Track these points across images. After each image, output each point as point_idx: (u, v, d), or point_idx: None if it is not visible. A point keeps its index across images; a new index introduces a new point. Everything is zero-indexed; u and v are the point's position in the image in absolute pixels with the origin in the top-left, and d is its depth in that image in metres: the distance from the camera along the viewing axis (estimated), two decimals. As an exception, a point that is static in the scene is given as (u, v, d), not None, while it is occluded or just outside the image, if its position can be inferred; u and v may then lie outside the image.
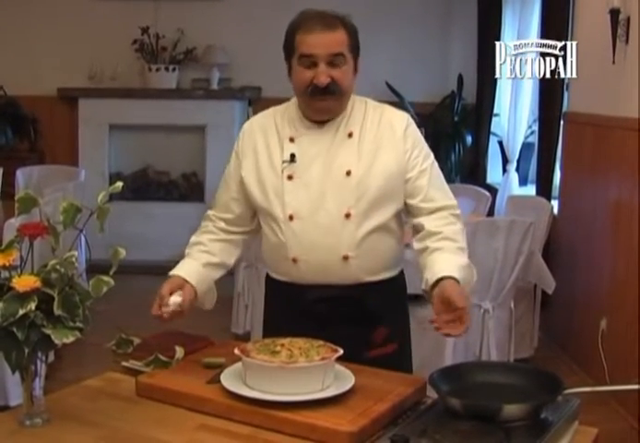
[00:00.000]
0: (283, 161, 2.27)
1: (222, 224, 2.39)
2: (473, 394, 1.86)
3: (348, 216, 2.22)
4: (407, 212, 2.34)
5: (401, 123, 2.31)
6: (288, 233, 2.26)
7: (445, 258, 2.19)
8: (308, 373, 1.86)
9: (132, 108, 7.13)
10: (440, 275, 2.12)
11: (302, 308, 2.29)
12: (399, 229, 2.36)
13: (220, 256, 2.37)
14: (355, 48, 2.26)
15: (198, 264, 2.32)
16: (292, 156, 2.26)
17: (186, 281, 2.25)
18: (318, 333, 2.03)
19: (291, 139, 2.29)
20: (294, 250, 2.26)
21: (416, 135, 2.33)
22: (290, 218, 2.25)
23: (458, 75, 7.16)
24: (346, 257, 2.24)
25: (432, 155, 2.35)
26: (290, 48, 2.25)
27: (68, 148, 7.24)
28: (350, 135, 2.27)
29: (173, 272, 2.29)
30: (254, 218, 2.39)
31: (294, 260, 2.27)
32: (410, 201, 2.30)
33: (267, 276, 2.43)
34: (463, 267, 2.18)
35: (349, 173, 2.23)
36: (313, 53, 2.19)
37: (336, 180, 2.23)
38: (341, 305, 2.27)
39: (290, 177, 2.26)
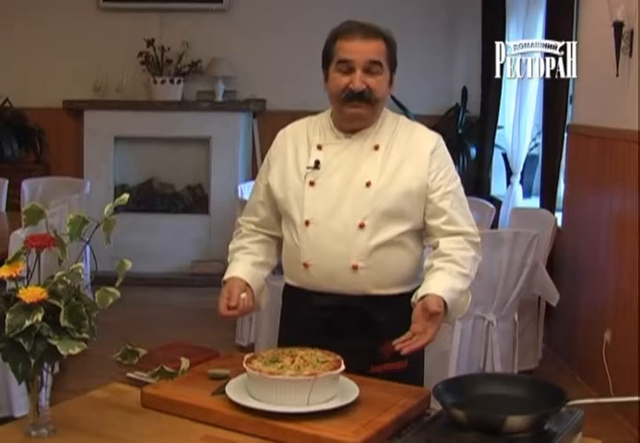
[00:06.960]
0: (307, 167, 2.30)
1: (252, 226, 2.46)
2: (477, 406, 1.86)
3: (362, 226, 2.24)
4: (426, 233, 2.34)
5: (430, 143, 2.34)
6: (303, 237, 2.29)
7: (441, 278, 2.20)
8: (286, 386, 1.85)
9: (137, 120, 7.14)
10: (428, 292, 2.15)
11: (308, 315, 2.31)
12: (418, 247, 2.36)
13: (263, 255, 2.43)
14: (392, 61, 2.33)
15: (247, 264, 2.38)
16: (317, 163, 2.30)
17: (243, 281, 2.31)
18: (326, 343, 2.04)
19: (319, 147, 2.33)
20: (306, 255, 2.29)
21: (444, 156, 2.35)
22: (307, 223, 2.28)
23: (462, 87, 7.19)
24: (355, 267, 2.25)
25: (458, 179, 2.36)
26: (328, 54, 2.30)
27: (74, 160, 7.26)
28: (377, 147, 2.30)
29: (228, 276, 2.34)
30: (280, 223, 2.41)
31: (305, 265, 2.29)
32: (432, 222, 2.30)
33: (285, 284, 2.45)
34: (455, 290, 2.19)
35: (368, 185, 2.25)
36: (351, 59, 2.25)
37: (355, 189, 2.26)
38: (347, 315, 2.28)
39: (311, 183, 2.29)
